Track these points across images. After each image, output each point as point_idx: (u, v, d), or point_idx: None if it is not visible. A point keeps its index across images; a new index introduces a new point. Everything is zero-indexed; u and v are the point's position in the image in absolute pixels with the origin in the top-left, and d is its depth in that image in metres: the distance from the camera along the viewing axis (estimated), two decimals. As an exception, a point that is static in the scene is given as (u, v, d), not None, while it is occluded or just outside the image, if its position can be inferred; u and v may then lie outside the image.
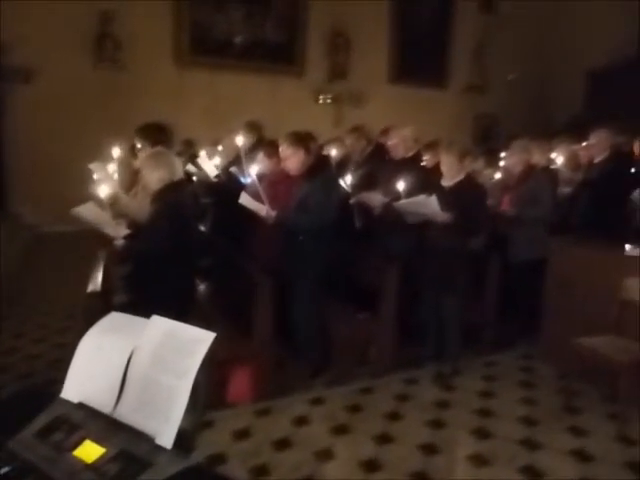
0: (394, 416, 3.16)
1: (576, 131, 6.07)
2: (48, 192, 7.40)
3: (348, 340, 3.58)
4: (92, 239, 3.36)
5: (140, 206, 3.12)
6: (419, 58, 10.83)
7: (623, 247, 3.56)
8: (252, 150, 3.99)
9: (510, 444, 2.90)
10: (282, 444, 2.84)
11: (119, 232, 2.90)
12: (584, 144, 5.24)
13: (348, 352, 3.61)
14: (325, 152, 4.75)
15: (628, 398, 3.01)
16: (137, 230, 2.97)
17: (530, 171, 4.22)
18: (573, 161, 5.17)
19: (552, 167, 5.09)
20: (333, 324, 3.58)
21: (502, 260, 4.03)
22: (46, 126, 7.83)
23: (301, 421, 3.08)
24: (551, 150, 5.32)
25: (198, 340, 1.10)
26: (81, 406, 1.15)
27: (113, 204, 3.15)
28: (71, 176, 5.97)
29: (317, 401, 3.31)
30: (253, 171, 3.49)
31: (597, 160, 4.45)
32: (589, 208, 4.26)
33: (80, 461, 1.02)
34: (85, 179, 3.69)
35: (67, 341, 3.99)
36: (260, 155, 3.69)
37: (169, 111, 7.45)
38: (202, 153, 4.86)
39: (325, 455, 2.75)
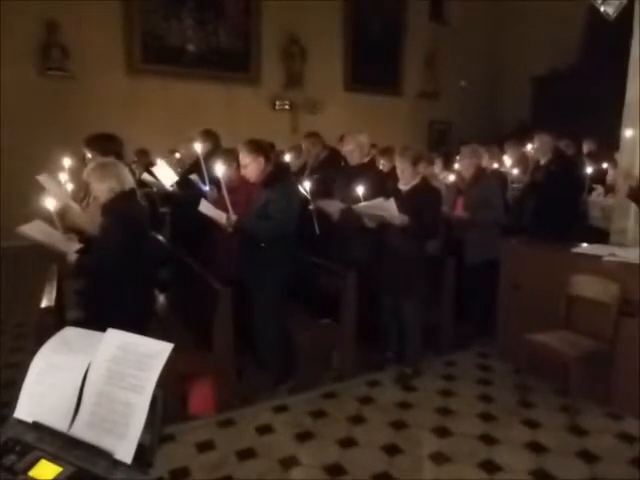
0: (358, 419, 3.20)
1: (522, 135, 6.34)
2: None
3: (310, 346, 3.60)
4: (43, 254, 3.24)
5: (92, 218, 3.03)
6: (373, 66, 11.05)
7: (569, 246, 3.74)
8: (209, 158, 3.95)
9: (469, 440, 2.98)
10: (246, 454, 2.82)
11: (71, 247, 2.81)
12: (529, 147, 5.48)
13: (311, 358, 3.63)
14: (283, 159, 4.77)
15: (577, 390, 3.16)
16: (89, 243, 2.89)
17: (481, 174, 4.37)
18: (523, 164, 5.40)
19: (502, 170, 5.29)
20: (295, 330, 3.59)
21: (458, 263, 4.15)
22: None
23: (265, 429, 3.07)
24: (501, 153, 5.54)
25: (155, 352, 1.09)
26: (36, 425, 1.12)
27: (63, 216, 3.05)
28: (19, 189, 5.75)
29: (281, 408, 3.31)
30: (214, 178, 3.46)
31: (542, 162, 4.66)
32: (536, 209, 4.45)
33: (35, 481, 0.99)
34: (34, 192, 3.55)
35: (18, 361, 3.83)
36: (218, 163, 3.67)
37: (122, 120, 7.32)
38: (159, 162, 4.77)
39: (290, 462, 2.76)
